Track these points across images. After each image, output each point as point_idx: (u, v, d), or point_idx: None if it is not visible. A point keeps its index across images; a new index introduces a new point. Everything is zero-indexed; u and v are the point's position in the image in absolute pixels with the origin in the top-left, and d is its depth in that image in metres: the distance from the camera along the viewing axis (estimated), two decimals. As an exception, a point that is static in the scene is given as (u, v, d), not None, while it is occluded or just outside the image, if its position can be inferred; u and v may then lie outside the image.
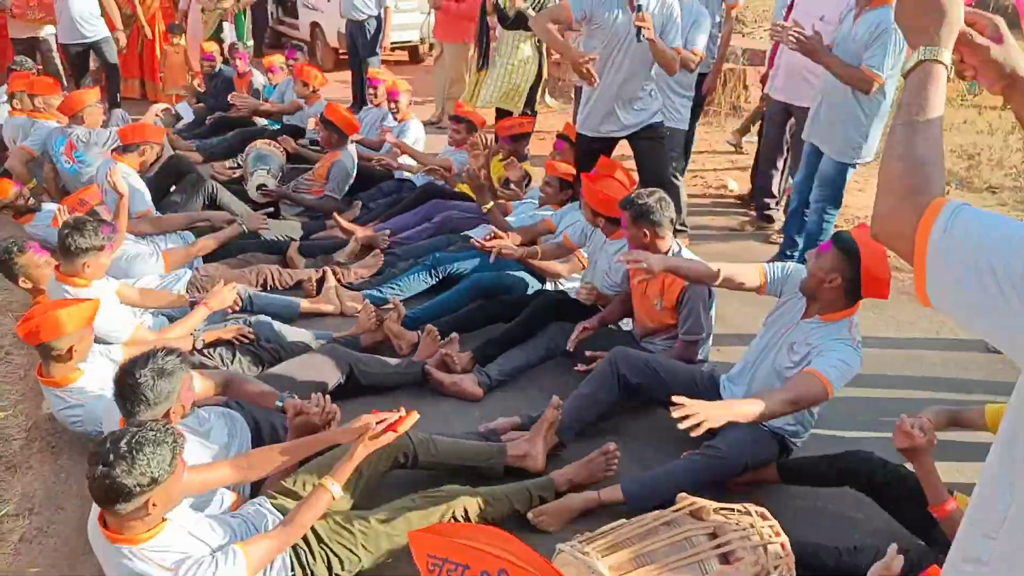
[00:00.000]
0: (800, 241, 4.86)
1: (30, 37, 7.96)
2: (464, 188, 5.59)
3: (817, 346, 2.80)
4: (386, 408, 2.51)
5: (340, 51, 10.99)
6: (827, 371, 2.68)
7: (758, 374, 3.08)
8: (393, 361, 3.67)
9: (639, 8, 4.02)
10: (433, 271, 4.48)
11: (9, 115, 6.12)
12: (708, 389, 3.20)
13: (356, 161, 5.75)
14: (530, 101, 7.30)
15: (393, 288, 4.46)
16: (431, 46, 10.78)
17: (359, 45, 8.19)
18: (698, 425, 2.38)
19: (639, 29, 4.01)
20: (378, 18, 8.13)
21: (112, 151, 4.97)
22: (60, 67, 8.42)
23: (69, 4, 7.51)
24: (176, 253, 4.50)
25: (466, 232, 4.89)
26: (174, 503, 2.06)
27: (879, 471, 2.70)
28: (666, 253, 3.42)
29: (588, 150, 4.56)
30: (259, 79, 7.84)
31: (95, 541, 2.10)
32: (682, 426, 2.37)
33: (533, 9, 6.69)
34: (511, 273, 4.35)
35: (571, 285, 4.45)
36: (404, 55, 11.91)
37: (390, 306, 4.11)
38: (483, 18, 7.26)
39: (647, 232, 3.40)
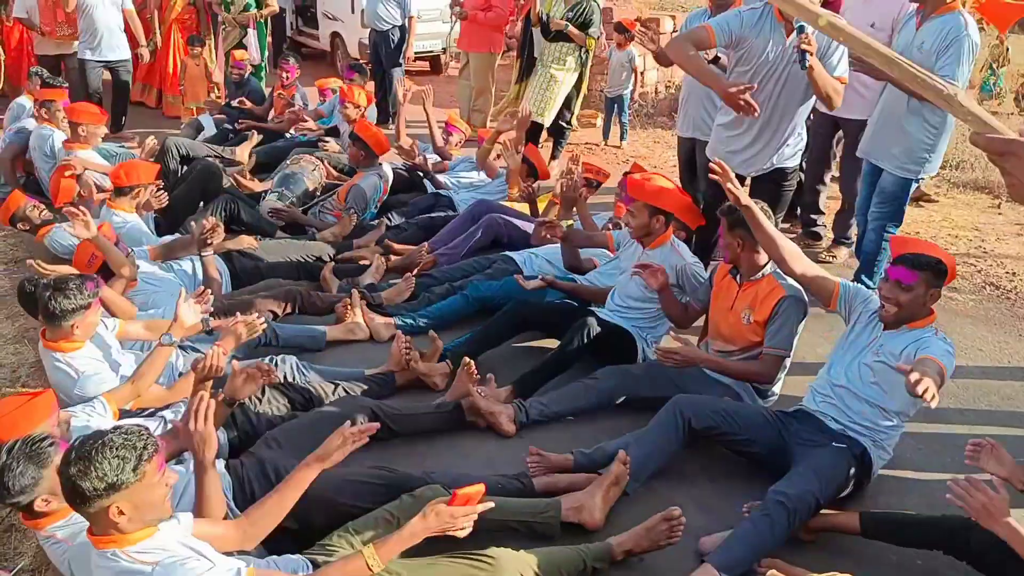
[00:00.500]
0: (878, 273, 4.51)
1: (58, 55, 7.84)
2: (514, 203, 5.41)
3: (916, 344, 2.82)
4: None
5: (361, 62, 10.84)
6: (942, 357, 2.68)
7: (847, 400, 2.97)
8: (425, 403, 3.42)
9: (800, 29, 3.47)
10: (471, 299, 4.23)
11: (37, 124, 6.01)
12: (778, 427, 3.03)
13: (384, 181, 5.50)
14: (563, 114, 7.06)
15: (427, 317, 4.22)
16: (454, 55, 10.61)
17: (383, 55, 7.99)
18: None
19: (803, 53, 3.44)
20: (402, 28, 7.94)
21: (107, 199, 4.80)
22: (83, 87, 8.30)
23: (95, 21, 7.36)
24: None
25: (508, 253, 4.65)
26: (155, 513, 1.96)
27: (977, 535, 2.43)
28: (762, 267, 3.36)
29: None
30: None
31: (88, 552, 2.00)
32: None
33: (574, 25, 6.47)
34: (555, 302, 4.10)
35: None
36: (425, 65, 11.72)
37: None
38: (527, 29, 7.02)
39: (741, 242, 3.30)
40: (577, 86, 6.89)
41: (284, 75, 7.42)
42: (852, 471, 2.86)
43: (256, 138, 6.51)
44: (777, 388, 3.49)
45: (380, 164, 5.55)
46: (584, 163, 5.65)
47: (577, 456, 3.06)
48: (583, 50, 6.68)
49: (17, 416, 2.51)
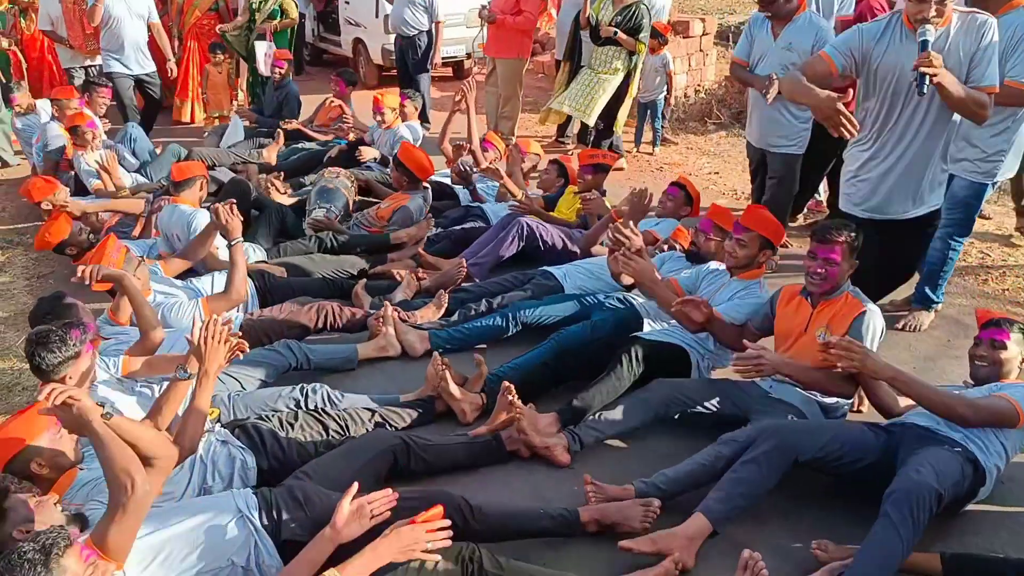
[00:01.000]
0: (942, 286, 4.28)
1: (83, 67, 7.74)
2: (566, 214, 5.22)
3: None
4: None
5: (384, 68, 10.70)
6: (1021, 400, 2.73)
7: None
8: (461, 434, 3.21)
9: (924, 45, 3.04)
10: (511, 320, 4.02)
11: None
12: (877, 437, 2.84)
13: (427, 203, 5.34)
14: (609, 119, 6.83)
15: (463, 333, 4.02)
16: (479, 61, 10.39)
17: (409, 61, 7.82)
18: None
19: (923, 76, 2.99)
20: (429, 33, 7.76)
21: (167, 196, 4.75)
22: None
23: (121, 35, 7.24)
24: (217, 301, 3.96)
25: (548, 268, 4.44)
26: None
27: None
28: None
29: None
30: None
31: None
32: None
33: (624, 30, 6.28)
34: (605, 321, 3.86)
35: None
36: (448, 71, 11.53)
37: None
38: (576, 33, 6.82)
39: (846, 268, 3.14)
40: (623, 91, 6.66)
41: (334, 87, 7.28)
42: (967, 471, 2.66)
43: (280, 140, 6.35)
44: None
45: (426, 188, 5.38)
46: (587, 152, 5.50)
47: (639, 487, 2.84)
48: (632, 55, 6.47)
49: (17, 426, 2.40)
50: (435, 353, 3.53)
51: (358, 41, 11.03)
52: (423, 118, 7.84)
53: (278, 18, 8.13)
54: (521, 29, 7.50)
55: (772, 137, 4.90)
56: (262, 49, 8.01)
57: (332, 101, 7.36)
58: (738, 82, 5.28)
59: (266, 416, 3.19)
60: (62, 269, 5.11)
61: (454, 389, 3.40)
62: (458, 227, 5.36)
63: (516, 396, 3.17)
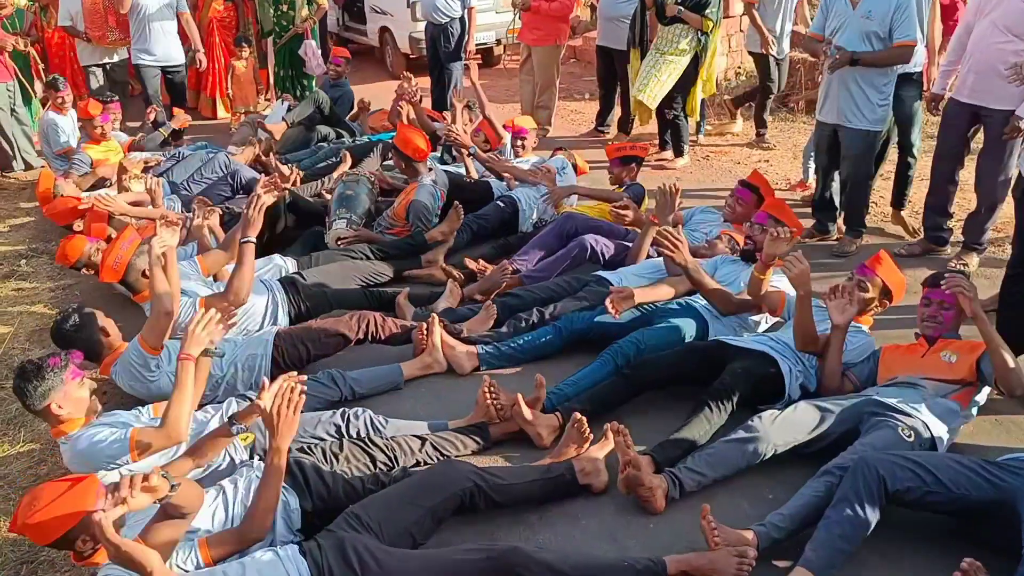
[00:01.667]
0: None
1: (103, 64, 7.52)
2: (599, 211, 4.88)
3: None
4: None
5: (411, 57, 10.39)
6: None
7: None
8: (533, 468, 2.90)
9: None
10: (564, 333, 3.72)
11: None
12: (996, 478, 2.48)
13: (438, 185, 5.02)
14: (670, 103, 6.39)
15: (514, 348, 3.73)
16: (509, 47, 10.03)
17: (441, 49, 7.49)
18: None
19: None
20: (462, 20, 7.43)
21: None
22: (126, 90, 8.02)
23: (149, 25, 7.04)
24: (213, 300, 3.58)
25: (602, 273, 4.12)
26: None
27: None
28: None
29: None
30: None
31: None
32: None
33: (689, 8, 5.93)
34: (668, 328, 3.57)
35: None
36: (479, 58, 11.20)
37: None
38: (642, 14, 6.43)
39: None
40: (694, 72, 6.24)
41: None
42: None
43: (348, 162, 6.03)
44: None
45: (430, 170, 5.10)
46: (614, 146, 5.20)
47: (759, 532, 2.51)
48: (700, 33, 6.08)
49: (66, 502, 2.15)
50: (485, 377, 3.22)
51: (384, 30, 10.73)
52: (441, 107, 7.57)
53: (313, 10, 7.84)
54: (556, 15, 7.16)
55: (848, 113, 4.62)
56: (310, 49, 7.73)
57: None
58: (808, 53, 5.07)
59: (308, 448, 2.92)
60: (87, 279, 4.89)
61: (527, 412, 3.11)
62: (487, 208, 5.15)
63: (586, 428, 2.89)
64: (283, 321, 3.97)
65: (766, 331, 3.73)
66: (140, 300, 3.76)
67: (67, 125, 6.29)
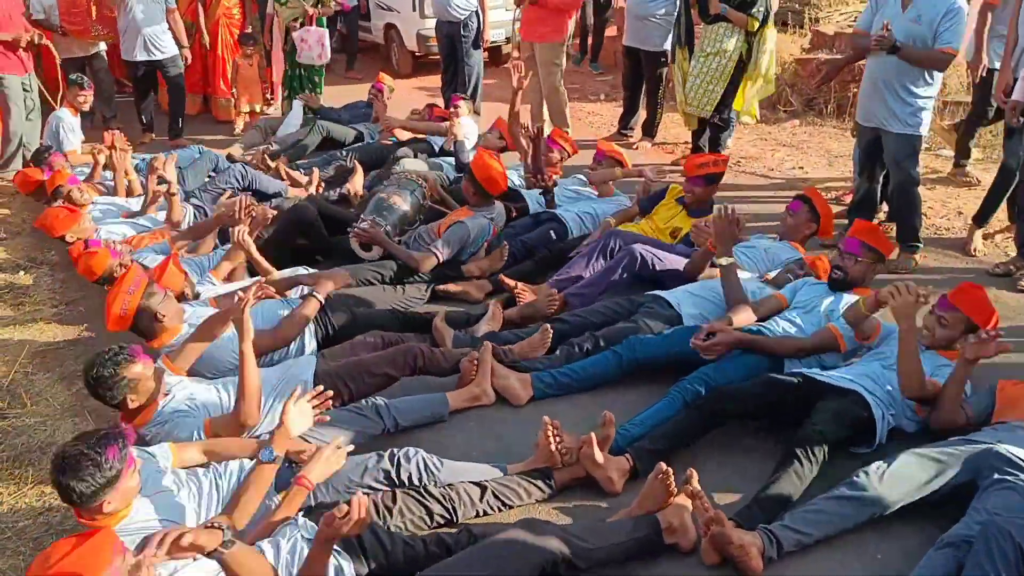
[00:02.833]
0: None
1: (83, 57, 7.14)
2: (641, 228, 4.55)
3: None
4: None
5: (418, 55, 10.07)
6: None
7: None
8: (618, 527, 2.57)
9: None
10: (625, 361, 3.42)
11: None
12: None
13: (495, 224, 4.66)
14: (722, 107, 6.06)
15: (571, 377, 3.42)
16: (517, 45, 9.65)
17: (460, 46, 7.15)
18: None
19: None
20: (476, 14, 7.11)
21: None
22: (112, 88, 7.70)
23: (138, 20, 6.71)
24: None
25: (658, 293, 3.82)
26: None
27: None
28: None
29: None
30: None
31: None
32: None
33: (736, 6, 5.61)
34: (740, 364, 3.26)
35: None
36: (485, 56, 10.86)
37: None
38: (687, 12, 6.07)
39: None
40: (739, 74, 5.92)
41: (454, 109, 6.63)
42: None
43: (360, 171, 5.72)
44: None
45: (495, 205, 4.68)
46: (693, 157, 4.77)
47: None
48: (750, 34, 5.77)
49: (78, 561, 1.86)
50: (545, 419, 2.90)
51: (390, 27, 10.38)
52: (473, 97, 7.28)
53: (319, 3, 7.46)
54: (561, 8, 6.80)
55: (888, 117, 4.43)
56: (315, 36, 7.36)
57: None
58: (853, 50, 4.86)
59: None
60: (93, 295, 4.55)
61: (598, 455, 2.80)
62: (534, 233, 4.76)
63: (670, 479, 2.58)
64: (310, 345, 3.66)
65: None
66: (157, 345, 3.30)
67: (76, 125, 5.95)
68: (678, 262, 4.04)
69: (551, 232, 4.75)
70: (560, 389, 3.41)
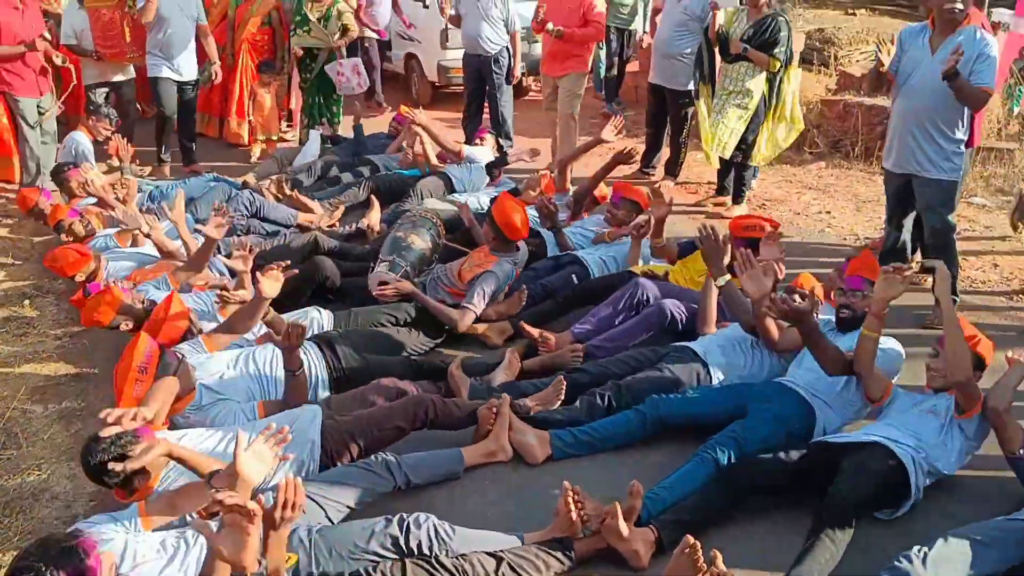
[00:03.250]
0: None
1: (110, 81, 7.05)
2: (674, 275, 4.39)
3: None
4: None
5: (438, 85, 9.99)
6: None
7: None
8: None
9: None
10: (649, 420, 3.24)
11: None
12: None
13: (518, 265, 4.50)
14: (746, 152, 5.91)
15: (592, 436, 3.24)
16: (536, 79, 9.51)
17: (493, 80, 7.06)
18: None
19: None
20: (507, 48, 7.03)
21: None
22: (135, 116, 7.56)
23: (169, 37, 6.55)
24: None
25: (684, 344, 3.65)
26: None
27: None
28: None
29: None
30: None
31: None
32: None
33: (756, 45, 5.50)
34: (770, 420, 3.09)
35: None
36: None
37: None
38: (709, 49, 5.95)
39: None
40: (763, 114, 5.79)
41: (478, 141, 6.67)
42: None
43: (377, 205, 5.60)
44: None
45: (519, 249, 4.52)
46: (741, 218, 4.53)
47: None
48: (774, 74, 5.64)
49: None
50: (566, 484, 2.71)
51: (411, 57, 10.30)
52: (507, 136, 7.18)
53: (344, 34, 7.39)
54: (585, 41, 6.70)
55: (921, 161, 4.30)
56: (349, 67, 7.29)
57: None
58: (869, 89, 5.24)
59: (365, 572, 2.43)
60: (98, 328, 4.41)
61: (623, 526, 2.61)
62: (554, 276, 4.58)
63: (698, 556, 2.38)
64: (322, 392, 3.51)
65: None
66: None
67: (90, 151, 5.93)
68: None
69: (573, 276, 4.58)
70: (580, 448, 3.24)
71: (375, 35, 9.23)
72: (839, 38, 10.54)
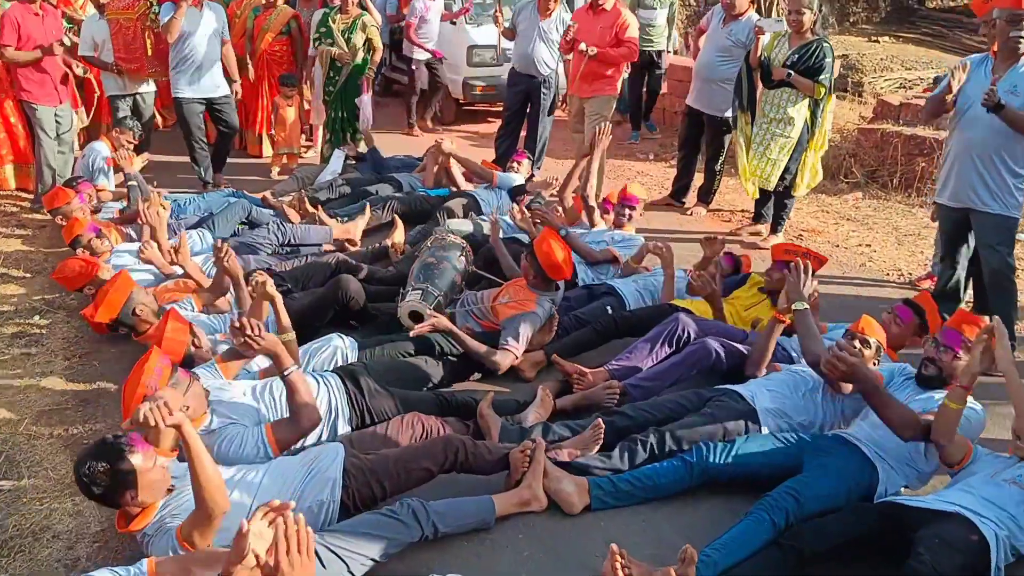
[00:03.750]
0: None
1: (132, 93, 6.88)
2: (697, 306, 4.15)
3: None
4: None
5: (462, 103, 9.82)
6: None
7: None
8: None
9: None
10: (696, 471, 3.00)
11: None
12: None
13: (556, 305, 4.22)
14: (789, 181, 5.68)
15: (634, 484, 3.01)
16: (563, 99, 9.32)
17: (540, 103, 6.90)
18: None
19: None
20: (558, 73, 6.89)
21: None
22: (152, 127, 7.32)
23: (195, 54, 6.33)
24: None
25: (730, 387, 3.41)
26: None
27: None
28: None
29: None
30: None
31: None
32: None
33: (799, 71, 5.29)
34: (829, 477, 2.85)
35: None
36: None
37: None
38: (748, 74, 5.73)
39: None
40: (806, 142, 5.56)
41: (515, 164, 6.47)
42: None
43: (400, 225, 5.41)
44: None
45: (557, 288, 4.25)
46: (782, 247, 4.30)
47: None
48: (818, 101, 5.43)
49: None
50: (613, 547, 2.48)
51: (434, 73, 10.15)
52: (540, 158, 7.10)
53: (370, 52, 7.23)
54: (620, 62, 6.52)
55: (980, 194, 4.13)
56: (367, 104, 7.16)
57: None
58: (928, 116, 5.11)
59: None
60: (108, 347, 4.23)
61: None
62: (589, 308, 4.38)
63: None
64: (342, 426, 3.29)
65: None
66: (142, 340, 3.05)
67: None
68: (740, 354, 3.66)
69: (607, 308, 4.36)
70: (620, 499, 3.00)
71: (429, 54, 9.02)
72: (863, 65, 10.40)
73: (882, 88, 9.82)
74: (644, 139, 9.19)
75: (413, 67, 9.12)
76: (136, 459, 2.38)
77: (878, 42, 14.16)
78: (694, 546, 2.58)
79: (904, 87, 9.93)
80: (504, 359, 3.83)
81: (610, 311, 4.21)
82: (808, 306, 3.31)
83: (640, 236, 5.05)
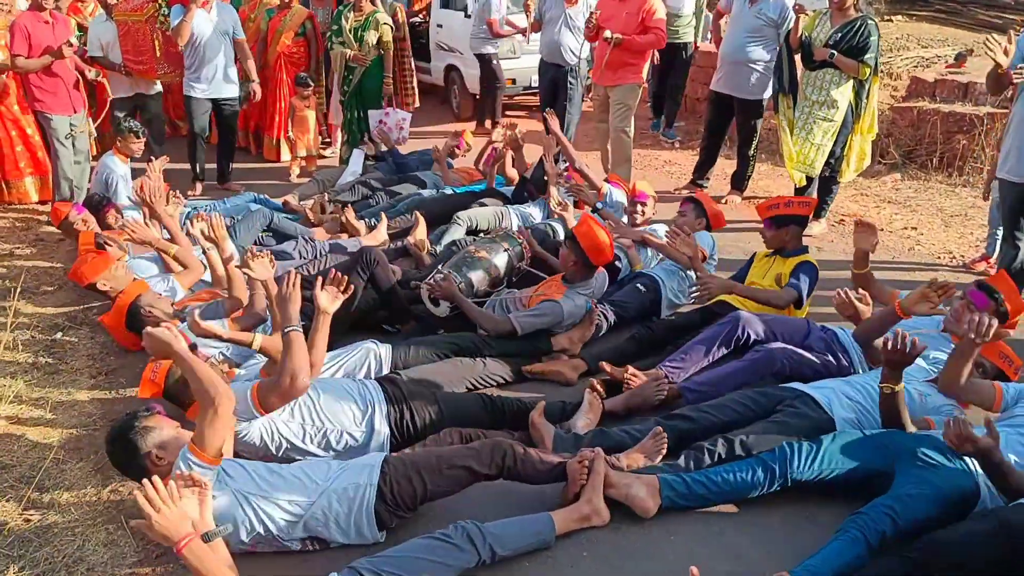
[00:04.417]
0: None
1: (135, 95, 6.76)
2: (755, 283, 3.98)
3: None
4: None
5: (479, 98, 9.61)
6: None
7: None
8: None
9: None
10: (779, 475, 2.78)
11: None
12: None
13: (595, 295, 4.10)
14: (834, 166, 5.51)
15: (707, 486, 2.80)
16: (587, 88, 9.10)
17: (569, 92, 6.71)
18: None
19: None
20: (585, 61, 6.71)
21: None
22: (163, 130, 7.25)
23: (206, 55, 6.26)
24: None
25: (803, 389, 3.19)
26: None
27: None
28: None
29: None
30: None
31: None
32: None
33: (843, 51, 5.07)
34: (927, 492, 2.60)
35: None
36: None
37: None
38: (789, 56, 5.51)
39: None
40: (851, 125, 5.35)
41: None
42: None
43: (422, 223, 5.19)
44: None
45: (595, 278, 4.11)
46: (765, 204, 4.14)
47: None
48: (863, 82, 5.21)
49: None
50: (693, 570, 2.27)
51: (451, 68, 9.98)
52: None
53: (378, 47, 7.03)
54: (646, 49, 6.30)
55: None
56: (394, 120, 6.97)
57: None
58: (992, 91, 4.68)
59: None
60: (134, 363, 4.07)
61: None
62: (621, 292, 4.26)
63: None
64: (382, 431, 3.10)
65: None
66: (192, 416, 2.87)
67: (128, 175, 5.62)
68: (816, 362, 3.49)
69: (639, 286, 4.24)
70: (692, 500, 2.81)
71: (495, 51, 8.86)
72: (880, 44, 10.06)
73: (899, 68, 9.53)
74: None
75: (493, 63, 8.90)
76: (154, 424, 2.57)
77: (891, 21, 13.81)
78: (776, 562, 2.39)
79: (920, 66, 9.66)
80: (500, 324, 3.80)
81: (641, 289, 4.13)
82: (903, 387, 2.93)
83: (663, 225, 4.85)
